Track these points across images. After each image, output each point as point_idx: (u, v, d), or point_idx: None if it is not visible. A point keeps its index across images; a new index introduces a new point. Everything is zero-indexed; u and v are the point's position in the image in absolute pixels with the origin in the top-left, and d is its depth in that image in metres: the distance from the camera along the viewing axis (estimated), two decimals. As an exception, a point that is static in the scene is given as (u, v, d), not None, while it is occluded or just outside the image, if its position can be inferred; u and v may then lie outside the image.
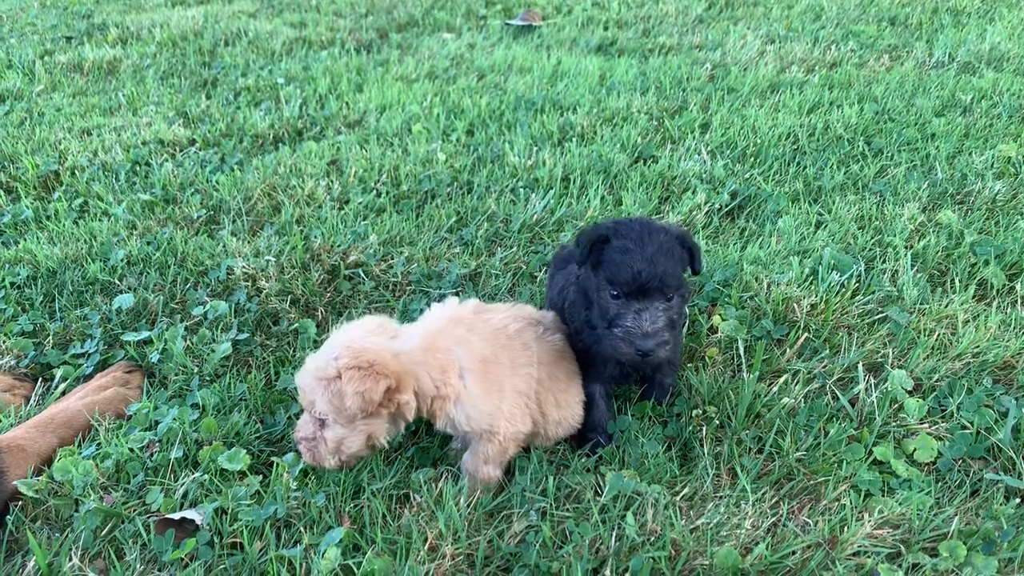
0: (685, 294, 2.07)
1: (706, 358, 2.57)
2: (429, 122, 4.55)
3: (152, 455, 2.25)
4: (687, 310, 2.70)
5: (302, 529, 2.00)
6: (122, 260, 3.23)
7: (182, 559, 1.94)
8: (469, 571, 1.89)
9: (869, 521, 1.93)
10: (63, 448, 2.28)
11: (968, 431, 2.24)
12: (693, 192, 3.58)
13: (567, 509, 2.02)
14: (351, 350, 1.86)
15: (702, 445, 2.22)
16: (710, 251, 3.12)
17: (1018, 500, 2.00)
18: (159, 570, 1.93)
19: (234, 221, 3.58)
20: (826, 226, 3.25)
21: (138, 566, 1.92)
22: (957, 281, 2.85)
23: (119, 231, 3.49)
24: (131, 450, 2.25)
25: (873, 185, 3.58)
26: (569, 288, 2.32)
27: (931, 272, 2.94)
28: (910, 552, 1.87)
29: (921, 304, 2.73)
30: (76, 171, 4.14)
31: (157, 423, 2.39)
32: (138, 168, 4.20)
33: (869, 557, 1.86)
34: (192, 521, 2.02)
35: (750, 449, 2.22)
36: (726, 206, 3.50)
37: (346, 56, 6.15)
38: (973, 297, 2.78)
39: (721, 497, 2.06)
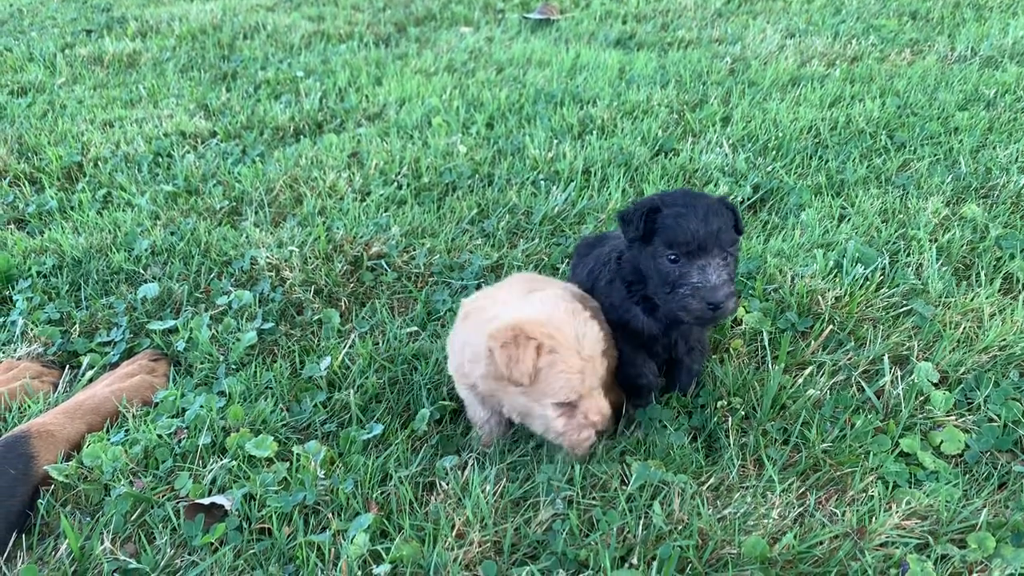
0: (736, 253, 2.09)
1: (731, 350, 2.56)
2: (449, 115, 4.56)
3: (180, 441, 2.27)
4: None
5: (330, 515, 2.01)
6: (146, 250, 3.25)
7: (212, 544, 1.96)
8: (496, 558, 1.89)
9: (897, 512, 1.92)
10: (92, 434, 2.30)
11: (995, 424, 2.23)
12: (715, 185, 3.57)
13: (593, 498, 2.03)
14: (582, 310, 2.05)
15: (727, 436, 2.22)
16: (733, 244, 3.12)
17: (1047, 493, 1.99)
18: (189, 554, 1.95)
19: (256, 212, 3.60)
20: (849, 219, 3.24)
21: (168, 550, 1.94)
22: (982, 274, 2.83)
23: (143, 221, 3.51)
24: (159, 436, 2.27)
25: (896, 179, 3.56)
26: (600, 269, 2.33)
27: (956, 265, 2.92)
28: (938, 543, 1.86)
29: (946, 297, 2.72)
30: (99, 162, 4.17)
31: (184, 410, 2.41)
32: (160, 159, 4.23)
33: (897, 548, 1.86)
34: (221, 506, 2.04)
35: (776, 440, 2.22)
36: (748, 199, 3.49)
37: (365, 49, 6.17)
38: (999, 290, 2.76)
39: (747, 487, 2.05)
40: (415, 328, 2.78)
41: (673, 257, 2.01)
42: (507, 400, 2.04)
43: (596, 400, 2.00)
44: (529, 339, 1.88)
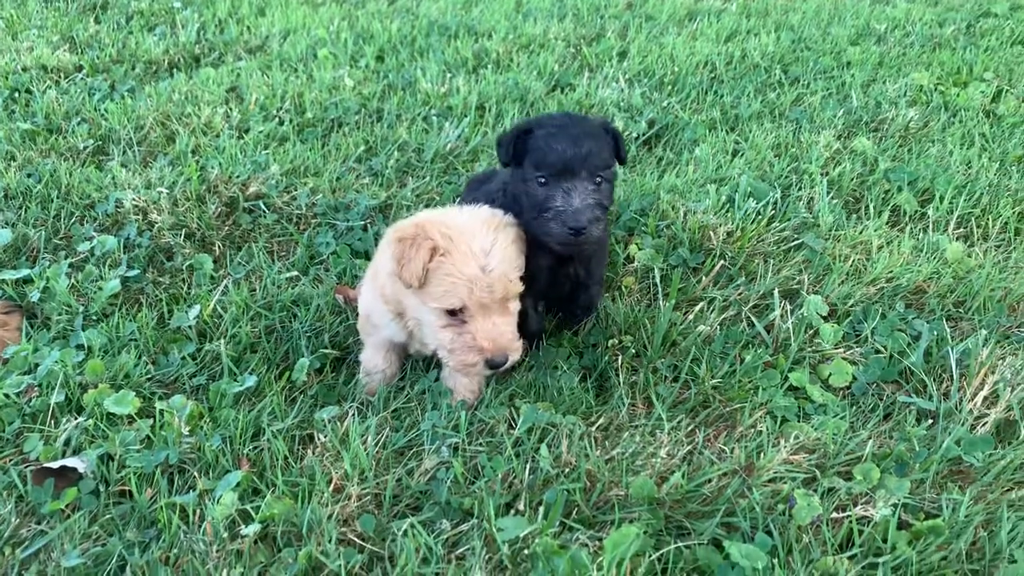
0: (611, 179, 2.02)
1: (623, 287, 2.50)
2: (336, 47, 4.32)
3: (30, 400, 2.07)
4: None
5: (196, 474, 1.87)
6: (-2, 193, 2.97)
7: (63, 510, 1.80)
8: (376, 511, 1.79)
9: (785, 447, 1.90)
10: (-71, 395, 2.09)
11: (882, 355, 2.23)
12: (611, 120, 3.48)
13: (480, 444, 1.94)
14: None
15: (618, 375, 2.16)
16: (627, 180, 3.04)
17: (929, 422, 2.00)
18: (37, 523, 1.78)
19: (124, 152, 3.33)
20: (743, 154, 3.20)
21: (13, 519, 1.76)
22: (871, 207, 2.84)
23: (-5, 162, 3.21)
24: (6, 396, 2.07)
25: (790, 113, 3.54)
26: (489, 205, 2.22)
27: (846, 199, 2.93)
28: (825, 476, 1.85)
29: (836, 230, 2.72)
30: (-54, 98, 3.80)
31: (37, 366, 2.20)
32: (18, 96, 3.87)
33: (785, 483, 1.83)
34: (74, 469, 1.87)
35: (666, 378, 2.17)
36: (643, 135, 3.41)
37: (248, -21, 5.80)
38: (887, 223, 2.78)
39: (636, 427, 2.00)
40: (296, 273, 2.62)
41: (542, 179, 1.95)
42: (406, 303, 1.94)
43: (489, 324, 1.85)
44: (427, 239, 1.78)
